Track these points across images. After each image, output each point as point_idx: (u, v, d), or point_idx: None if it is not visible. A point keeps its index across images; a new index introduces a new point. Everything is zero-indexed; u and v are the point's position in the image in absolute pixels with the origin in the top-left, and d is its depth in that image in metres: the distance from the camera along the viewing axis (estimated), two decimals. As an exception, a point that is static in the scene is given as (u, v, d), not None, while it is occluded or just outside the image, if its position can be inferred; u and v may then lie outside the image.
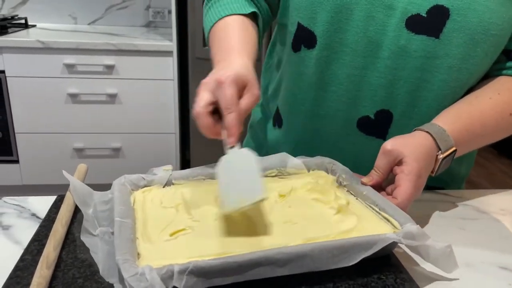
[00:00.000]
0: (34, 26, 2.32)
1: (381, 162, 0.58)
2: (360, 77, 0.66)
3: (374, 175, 0.58)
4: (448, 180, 0.76)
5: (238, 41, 0.65)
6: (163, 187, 0.58)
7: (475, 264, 0.52)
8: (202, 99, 0.55)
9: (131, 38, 2.10)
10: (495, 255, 0.54)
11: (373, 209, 0.54)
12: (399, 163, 0.57)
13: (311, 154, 0.66)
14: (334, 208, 0.53)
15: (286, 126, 0.78)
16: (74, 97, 2.05)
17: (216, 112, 0.56)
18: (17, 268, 0.44)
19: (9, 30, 2.10)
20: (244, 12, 0.69)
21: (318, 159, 0.64)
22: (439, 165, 0.59)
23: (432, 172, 0.60)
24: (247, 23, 0.69)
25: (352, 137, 0.71)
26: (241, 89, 0.56)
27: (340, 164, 0.63)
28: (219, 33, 0.68)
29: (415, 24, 0.61)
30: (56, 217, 0.51)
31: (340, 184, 0.61)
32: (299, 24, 0.68)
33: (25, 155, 2.11)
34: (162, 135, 2.17)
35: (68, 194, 0.56)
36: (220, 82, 0.54)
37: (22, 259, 0.46)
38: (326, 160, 0.64)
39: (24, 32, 2.13)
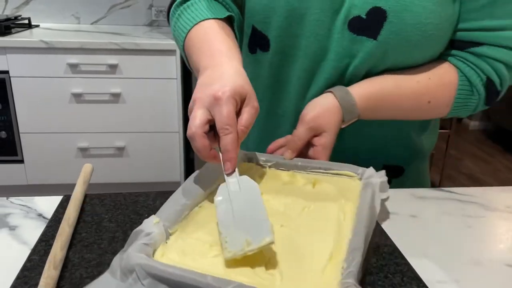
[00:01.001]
0: (37, 26, 2.32)
1: (302, 132, 0.63)
2: (309, 80, 0.68)
3: (295, 147, 0.63)
4: (406, 155, 0.76)
5: (223, 44, 0.59)
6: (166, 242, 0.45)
7: (482, 262, 0.52)
8: (197, 118, 0.48)
9: (134, 37, 2.10)
10: (502, 252, 0.54)
11: (321, 173, 0.60)
12: (318, 134, 0.63)
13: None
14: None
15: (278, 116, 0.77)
16: (78, 97, 2.06)
17: (212, 128, 0.50)
18: (24, 269, 0.45)
19: (13, 30, 2.11)
20: (220, 17, 0.65)
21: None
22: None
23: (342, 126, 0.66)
24: (226, 27, 0.65)
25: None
26: (240, 103, 0.51)
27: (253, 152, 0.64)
28: (199, 38, 0.62)
29: (356, 25, 0.62)
30: (63, 217, 0.51)
31: (264, 167, 0.62)
32: (253, 27, 0.69)
33: (30, 155, 2.12)
34: (166, 134, 2.17)
35: (74, 194, 0.56)
36: (217, 98, 0.48)
37: (29, 259, 0.46)
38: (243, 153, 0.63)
39: (27, 32, 2.13)
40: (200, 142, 0.48)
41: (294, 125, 0.69)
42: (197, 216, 0.49)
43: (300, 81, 0.69)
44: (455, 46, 0.66)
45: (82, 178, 0.60)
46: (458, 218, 0.62)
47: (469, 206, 0.65)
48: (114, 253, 0.47)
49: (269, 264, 0.42)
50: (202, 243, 0.44)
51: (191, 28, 0.64)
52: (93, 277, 0.43)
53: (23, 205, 0.60)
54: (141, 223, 0.45)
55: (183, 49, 0.66)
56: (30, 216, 0.58)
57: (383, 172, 0.59)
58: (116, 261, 0.40)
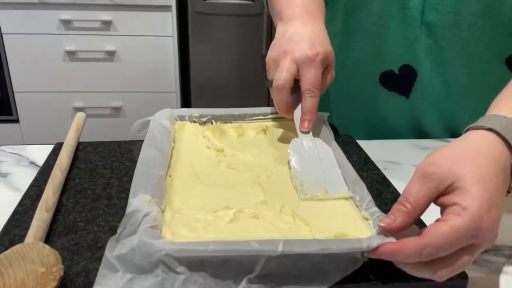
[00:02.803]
0: (27, -19, 2.23)
1: (414, 189, 0.36)
2: (386, 28, 0.63)
3: (399, 212, 0.35)
4: None
5: None
6: None
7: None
8: (287, 71, 0.49)
9: (128, -7, 2.02)
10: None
11: (262, 120, 0.58)
12: (449, 190, 0.35)
13: (336, 107, 0.64)
14: None
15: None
16: (71, 55, 2.00)
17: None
18: (16, 212, 0.43)
19: (2, -15, 2.03)
20: None
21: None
22: None
23: (509, 191, 0.39)
24: None
25: (374, 92, 0.69)
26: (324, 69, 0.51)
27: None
28: None
29: None
30: (55, 164, 0.49)
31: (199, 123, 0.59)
32: None
33: (25, 115, 2.09)
34: (163, 94, 2.14)
35: (67, 141, 0.54)
36: (310, 58, 0.49)
37: (21, 203, 0.45)
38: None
39: (17, -13, 2.05)
40: (285, 97, 0.49)
41: (361, 80, 0.67)
42: (174, 186, 0.44)
43: (374, 28, 0.64)
44: None
45: (75, 125, 0.58)
46: None
47: None
48: (109, 198, 0.46)
49: (283, 216, 0.41)
50: (202, 212, 0.40)
51: None
52: (87, 221, 0.42)
53: (14, 153, 0.59)
54: (134, 171, 0.44)
55: None
56: (22, 163, 0.56)
57: None
58: (112, 251, 0.34)
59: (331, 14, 0.69)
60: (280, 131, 0.57)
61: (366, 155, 0.58)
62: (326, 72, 0.52)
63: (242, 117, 0.59)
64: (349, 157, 0.51)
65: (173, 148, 0.51)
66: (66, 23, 1.94)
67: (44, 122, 2.11)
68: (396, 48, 0.65)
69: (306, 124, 0.50)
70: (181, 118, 0.58)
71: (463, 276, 0.37)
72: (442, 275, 0.34)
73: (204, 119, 0.59)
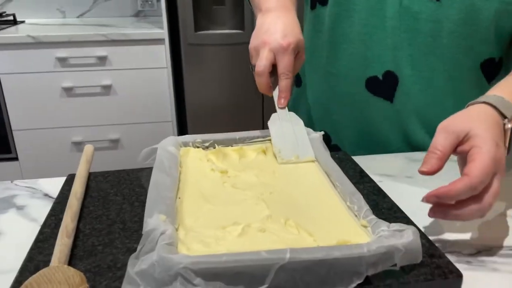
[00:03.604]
0: (23, 22, 2.30)
1: (439, 141, 0.46)
2: (369, 36, 0.69)
3: (432, 159, 0.45)
4: None
5: None
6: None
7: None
8: (266, 58, 0.60)
9: (122, 28, 2.09)
10: (499, 206, 0.56)
11: (261, 141, 0.63)
12: (465, 139, 0.46)
13: (325, 115, 0.69)
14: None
15: (303, 86, 0.82)
16: (69, 91, 2.05)
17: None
18: (37, 240, 0.46)
19: (-2, 27, 2.09)
20: None
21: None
22: (510, 139, 0.48)
23: (507, 148, 0.49)
24: None
25: (361, 97, 0.73)
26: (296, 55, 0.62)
27: None
28: None
29: None
30: (70, 193, 0.52)
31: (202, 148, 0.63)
32: None
33: (24, 152, 2.11)
34: (159, 123, 2.18)
35: (79, 172, 0.57)
36: (284, 47, 0.60)
37: (41, 232, 0.47)
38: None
39: (13, 28, 2.11)
40: (265, 80, 0.61)
41: (348, 86, 0.73)
42: (184, 207, 0.47)
43: (359, 37, 0.70)
44: None
45: (85, 157, 0.61)
46: (452, 176, 0.63)
47: (462, 165, 0.67)
48: (123, 222, 0.49)
49: (288, 228, 0.44)
50: (213, 229, 0.43)
51: None
52: (104, 244, 0.45)
53: (28, 187, 0.62)
54: (146, 195, 0.47)
55: None
56: (37, 196, 0.59)
57: (310, 129, 0.65)
58: (133, 267, 0.37)
59: (318, 27, 0.75)
60: None
61: (362, 169, 0.62)
62: (298, 57, 0.63)
63: (242, 140, 0.63)
64: (346, 172, 0.55)
65: (180, 173, 0.54)
66: (62, 60, 1.99)
67: (43, 158, 2.13)
68: (379, 55, 0.70)
69: (282, 101, 0.62)
70: (185, 144, 0.62)
71: (458, 274, 0.40)
72: (489, 201, 0.43)
73: (206, 144, 0.62)
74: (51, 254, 0.42)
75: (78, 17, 2.45)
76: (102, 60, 2.02)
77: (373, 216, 0.43)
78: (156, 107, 2.14)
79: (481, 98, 0.50)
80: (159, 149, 0.57)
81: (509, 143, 0.49)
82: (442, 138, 0.46)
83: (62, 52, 1.97)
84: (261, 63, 0.61)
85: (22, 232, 0.50)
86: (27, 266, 0.42)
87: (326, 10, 0.72)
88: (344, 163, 0.63)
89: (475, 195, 0.43)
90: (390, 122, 0.72)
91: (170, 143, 0.59)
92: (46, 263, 0.41)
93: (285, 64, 0.61)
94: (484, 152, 0.43)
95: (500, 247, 0.47)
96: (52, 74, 2.01)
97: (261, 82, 0.61)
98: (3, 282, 0.42)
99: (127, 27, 2.14)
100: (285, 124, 0.61)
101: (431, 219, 0.51)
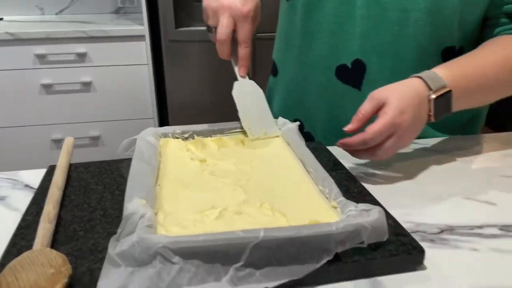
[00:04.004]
0: (1, 19, 2.27)
1: (364, 106, 0.58)
2: (339, 25, 0.71)
3: (355, 121, 0.57)
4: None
5: None
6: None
7: (442, 196, 0.57)
8: (227, 26, 0.61)
9: (102, 25, 2.08)
10: (462, 188, 0.59)
11: (239, 132, 0.65)
12: (383, 106, 0.57)
13: (298, 103, 0.72)
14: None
15: (279, 75, 0.84)
16: (48, 88, 2.03)
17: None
18: (20, 227, 0.47)
19: (-25, 23, 2.06)
20: None
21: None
22: (435, 107, 0.58)
23: (429, 115, 0.59)
24: None
25: (332, 85, 0.76)
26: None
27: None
28: None
29: None
30: (51, 183, 0.54)
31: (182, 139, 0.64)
32: None
33: (3, 150, 2.09)
34: (140, 120, 2.18)
35: (60, 163, 0.58)
36: (245, 15, 0.61)
37: (23, 219, 0.49)
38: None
39: (-10, 25, 2.08)
40: (227, 48, 0.62)
41: (320, 75, 0.74)
42: (163, 193, 0.49)
43: (330, 27, 0.72)
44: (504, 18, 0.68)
45: (66, 148, 0.62)
46: (420, 163, 0.67)
47: (430, 153, 0.71)
48: (104, 209, 0.50)
49: (263, 210, 0.46)
50: (191, 213, 0.45)
51: None
52: (85, 230, 0.46)
53: (9, 178, 0.62)
54: (126, 185, 0.48)
55: None
56: (17, 187, 0.60)
57: (286, 120, 0.67)
58: (114, 249, 0.38)
59: (292, 17, 0.78)
60: (256, 142, 0.63)
61: (336, 158, 0.64)
62: (255, 22, 0.65)
63: (221, 131, 0.65)
64: (320, 160, 0.57)
65: (159, 162, 0.56)
66: (41, 57, 1.97)
67: (23, 156, 2.11)
68: (349, 44, 0.72)
69: (242, 69, 0.65)
70: (165, 135, 0.63)
71: (420, 250, 0.43)
72: (380, 155, 0.57)
73: (186, 135, 0.64)
74: (33, 239, 0.43)
75: (57, 14, 2.42)
76: (82, 57, 2.01)
77: (342, 198, 0.46)
78: (137, 104, 2.14)
79: (418, 73, 0.60)
80: (139, 140, 0.58)
81: (435, 112, 0.59)
82: (366, 103, 0.58)
83: (41, 49, 1.96)
84: (224, 30, 0.61)
85: (4, 221, 0.51)
86: (11, 250, 0.43)
87: (300, 1, 0.74)
88: (318, 152, 0.65)
89: (369, 148, 0.56)
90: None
91: (149, 133, 0.60)
92: (29, 247, 0.42)
93: (245, 32, 0.62)
94: (385, 117, 0.55)
95: (461, 227, 0.51)
96: (31, 71, 1.99)
97: (224, 49, 0.62)
98: (-14, 267, 0.43)
99: (107, 23, 2.13)
100: (249, 98, 0.65)
101: (399, 203, 0.55)
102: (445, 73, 0.60)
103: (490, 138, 0.77)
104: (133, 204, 0.42)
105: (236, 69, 0.66)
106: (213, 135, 0.64)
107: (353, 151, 0.59)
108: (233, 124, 0.66)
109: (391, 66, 0.71)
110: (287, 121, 0.66)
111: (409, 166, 0.66)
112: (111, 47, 2.02)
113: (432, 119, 0.59)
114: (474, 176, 0.64)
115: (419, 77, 0.59)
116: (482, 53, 0.65)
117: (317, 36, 0.75)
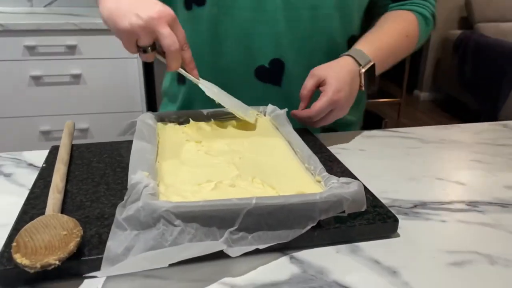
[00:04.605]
0: (-11, 9, 2.27)
1: (307, 82, 0.69)
2: (252, 30, 0.73)
3: (301, 96, 0.69)
4: (335, 126, 0.82)
5: None
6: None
7: (417, 177, 0.62)
8: (172, 34, 0.57)
9: (92, 18, 2.10)
10: (433, 170, 0.65)
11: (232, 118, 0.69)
12: (323, 83, 0.68)
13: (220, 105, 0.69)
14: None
15: (191, 82, 0.79)
16: (37, 80, 2.04)
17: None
18: (29, 198, 0.51)
19: (-37, 14, 2.05)
20: None
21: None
22: (364, 79, 0.71)
23: (360, 87, 0.72)
24: None
25: (252, 85, 0.78)
26: None
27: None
28: None
29: None
30: (56, 159, 0.57)
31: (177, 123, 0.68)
32: None
33: (-9, 141, 2.09)
34: (130, 113, 2.20)
35: (63, 142, 0.62)
36: (174, 18, 0.58)
37: (32, 191, 0.52)
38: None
39: (-21, 15, 2.08)
40: (180, 56, 0.60)
41: (239, 78, 0.75)
42: (163, 169, 0.53)
43: (243, 32, 0.73)
44: None
45: (67, 130, 0.66)
46: (399, 149, 0.72)
47: (409, 140, 0.76)
48: (107, 184, 0.54)
49: (254, 184, 0.51)
50: (189, 185, 0.49)
51: None
52: (91, 201, 0.50)
53: (12, 158, 0.66)
54: (127, 163, 0.52)
55: None
56: (22, 165, 0.64)
57: (275, 107, 0.71)
58: (121, 214, 0.42)
59: (196, 27, 0.76)
60: (248, 124, 0.68)
61: (321, 142, 0.69)
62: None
63: (214, 116, 0.69)
64: (306, 143, 0.62)
65: (158, 142, 0.60)
66: (30, 49, 1.98)
67: (11, 147, 2.12)
68: (264, 46, 0.75)
69: (195, 71, 0.64)
70: (161, 119, 0.67)
71: (395, 219, 0.48)
72: (321, 123, 0.69)
73: (181, 120, 0.68)
74: (43, 208, 0.47)
75: (45, 6, 2.43)
76: (72, 49, 2.03)
77: (326, 173, 0.51)
78: (126, 97, 2.17)
79: (348, 51, 0.72)
80: (139, 121, 0.62)
81: (363, 83, 0.71)
82: (309, 80, 0.68)
83: (31, 41, 1.97)
84: (173, 39, 0.57)
85: (12, 195, 0.55)
86: (22, 217, 0.47)
87: (205, 11, 0.72)
88: (305, 137, 0.70)
89: (314, 122, 0.69)
90: (280, 104, 0.75)
91: (148, 117, 0.65)
92: (40, 215, 0.46)
93: (183, 34, 0.60)
94: (326, 95, 0.66)
95: (433, 202, 0.56)
96: (20, 63, 2.00)
97: (178, 59, 0.59)
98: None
99: (97, 16, 2.14)
100: (222, 94, 0.68)
101: (378, 183, 0.60)
102: (368, 49, 0.72)
103: (464, 128, 0.83)
104: (137, 175, 0.46)
105: (188, 74, 0.64)
106: (206, 120, 0.69)
107: (300, 120, 0.70)
108: (225, 110, 0.70)
109: (307, 59, 0.76)
110: (276, 107, 0.71)
111: (387, 151, 0.71)
112: (102, 40, 2.04)
113: (362, 89, 0.72)
114: (446, 160, 0.69)
115: (349, 55, 0.71)
116: (386, 28, 0.79)
117: (227, 43, 0.75)
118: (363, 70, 0.71)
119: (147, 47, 0.59)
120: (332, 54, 0.74)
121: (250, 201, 0.43)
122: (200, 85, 0.65)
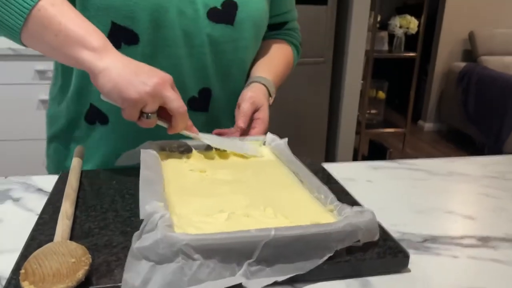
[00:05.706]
0: (2, 34, 2.32)
1: (247, 107, 0.76)
2: (181, 65, 0.75)
3: (241, 119, 0.74)
4: None
5: (90, 25, 0.63)
6: None
7: (424, 211, 0.62)
8: (178, 96, 0.62)
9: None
10: (441, 203, 0.65)
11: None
12: (258, 109, 0.77)
13: (137, 143, 0.66)
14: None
15: (114, 121, 0.77)
16: (45, 103, 2.07)
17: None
18: (38, 224, 0.51)
19: (-23, 38, 2.10)
20: None
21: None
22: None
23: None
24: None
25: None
26: None
27: None
28: (61, 10, 0.61)
29: (214, 15, 0.74)
30: (66, 185, 0.57)
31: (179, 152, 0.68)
32: (113, 23, 0.69)
33: (0, 163, 2.11)
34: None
35: (72, 167, 0.63)
36: (173, 83, 0.62)
37: (40, 217, 0.52)
38: None
39: (-8, 40, 2.13)
40: (187, 118, 0.64)
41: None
42: (172, 198, 0.53)
43: (175, 68, 0.75)
44: (273, 28, 0.90)
45: (77, 155, 0.66)
46: (406, 181, 0.72)
47: (416, 172, 0.76)
48: (116, 211, 0.54)
49: (267, 214, 0.50)
50: (202, 216, 0.49)
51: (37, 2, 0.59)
52: (100, 228, 0.50)
53: (22, 182, 0.66)
54: (136, 190, 0.52)
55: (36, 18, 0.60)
56: (30, 190, 0.64)
57: (275, 137, 0.74)
58: (137, 244, 0.41)
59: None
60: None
61: (329, 173, 0.69)
62: None
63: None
64: (315, 174, 0.62)
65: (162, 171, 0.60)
66: (41, 73, 2.02)
67: (19, 170, 2.13)
68: (193, 77, 0.78)
69: (195, 128, 0.68)
70: (162, 148, 0.68)
71: (405, 254, 0.48)
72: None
73: (181, 149, 0.68)
74: (51, 235, 0.47)
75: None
76: (81, 74, 2.06)
77: (338, 202, 0.51)
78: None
79: (258, 79, 0.81)
80: (142, 151, 0.62)
81: None
82: (246, 106, 0.76)
83: (41, 65, 2.01)
84: (180, 102, 0.61)
85: (20, 220, 0.55)
86: (31, 244, 0.47)
87: (138, 49, 0.72)
88: (313, 167, 0.70)
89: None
90: (207, 128, 0.78)
91: (149, 146, 0.64)
92: (48, 241, 0.46)
93: (180, 99, 0.62)
94: (264, 122, 0.76)
95: (443, 237, 0.55)
96: (30, 86, 2.03)
97: (185, 120, 0.63)
98: (7, 259, 0.46)
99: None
100: (224, 140, 0.71)
101: (387, 215, 0.59)
102: (272, 78, 0.84)
103: (471, 160, 0.83)
104: (151, 205, 0.46)
105: (189, 133, 0.66)
106: (209, 150, 0.69)
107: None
108: (226, 140, 0.71)
109: (229, 86, 0.82)
110: (276, 137, 0.72)
111: (395, 183, 0.71)
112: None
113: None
114: (455, 193, 0.69)
115: (263, 84, 0.81)
116: (277, 58, 0.89)
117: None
118: (271, 101, 0.82)
119: (148, 113, 0.61)
120: (245, 79, 0.84)
121: (269, 232, 0.43)
122: (203, 140, 0.67)
